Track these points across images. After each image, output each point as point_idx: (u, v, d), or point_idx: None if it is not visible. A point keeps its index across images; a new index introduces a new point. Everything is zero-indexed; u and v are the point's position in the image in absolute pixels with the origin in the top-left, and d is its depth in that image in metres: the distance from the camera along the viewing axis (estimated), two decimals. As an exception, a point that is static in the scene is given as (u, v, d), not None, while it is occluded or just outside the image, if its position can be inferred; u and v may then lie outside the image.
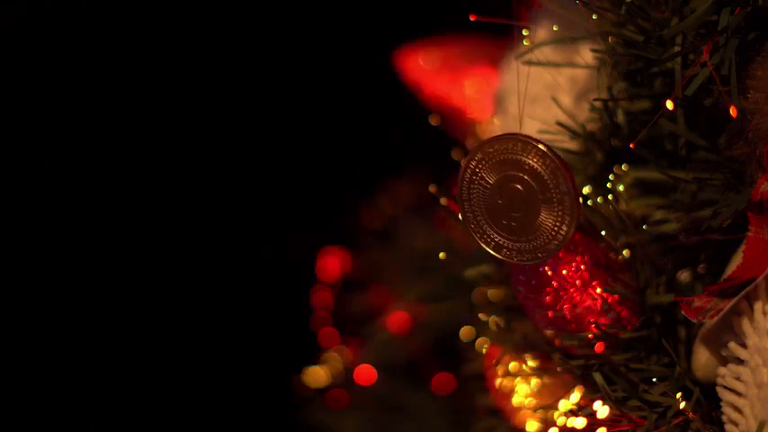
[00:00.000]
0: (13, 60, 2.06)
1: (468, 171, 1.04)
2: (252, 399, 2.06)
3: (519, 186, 1.03)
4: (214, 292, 2.08)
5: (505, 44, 1.38)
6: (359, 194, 1.76)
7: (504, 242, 1.05)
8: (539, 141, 1.01)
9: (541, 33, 1.21)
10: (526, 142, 1.01)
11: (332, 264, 1.76)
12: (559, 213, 1.02)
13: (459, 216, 1.06)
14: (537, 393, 1.19)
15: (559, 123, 1.15)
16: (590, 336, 1.10)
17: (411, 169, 1.67)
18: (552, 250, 1.03)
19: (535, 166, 1.02)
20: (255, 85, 2.10)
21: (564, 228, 1.02)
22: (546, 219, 1.02)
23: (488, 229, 1.05)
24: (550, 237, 1.03)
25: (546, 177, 1.01)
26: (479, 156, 1.03)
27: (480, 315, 1.23)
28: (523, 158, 1.02)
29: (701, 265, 1.12)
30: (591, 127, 1.15)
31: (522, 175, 1.02)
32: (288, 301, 1.85)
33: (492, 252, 1.05)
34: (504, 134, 1.03)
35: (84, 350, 2.07)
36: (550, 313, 1.11)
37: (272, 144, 2.09)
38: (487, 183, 1.04)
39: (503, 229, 1.04)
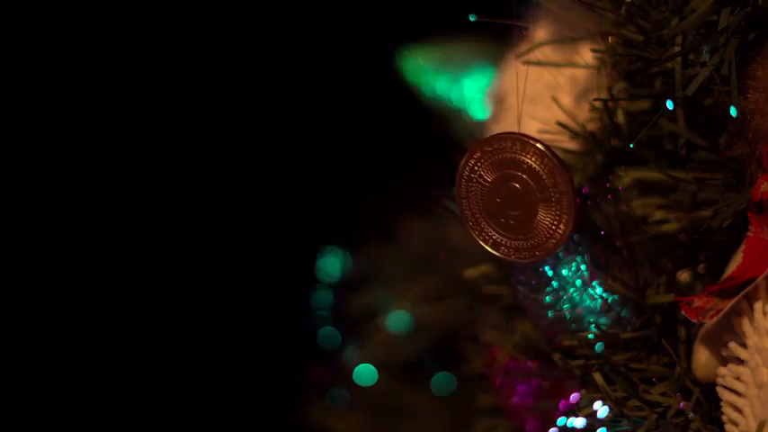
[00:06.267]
0: (14, 61, 2.06)
1: (467, 169, 1.05)
2: (252, 399, 2.06)
3: (517, 185, 1.03)
4: (214, 292, 2.08)
5: (505, 44, 1.38)
6: (359, 194, 1.76)
7: (502, 240, 1.05)
8: (537, 141, 1.02)
9: (541, 33, 1.21)
10: (524, 141, 1.02)
11: (332, 264, 1.76)
12: (557, 212, 1.02)
13: (458, 214, 1.07)
14: (537, 393, 1.20)
15: (559, 123, 1.16)
16: (590, 336, 1.10)
17: (411, 169, 1.67)
18: (550, 249, 1.03)
19: (533, 165, 1.02)
20: (255, 86, 2.10)
21: (561, 226, 1.02)
22: (544, 217, 1.03)
23: (486, 226, 1.05)
24: (548, 235, 1.03)
25: (544, 176, 1.02)
26: (478, 154, 1.04)
27: (480, 314, 1.23)
28: (522, 157, 1.02)
29: (701, 265, 1.12)
30: (591, 127, 1.15)
31: (520, 173, 1.03)
32: (288, 301, 1.85)
33: (490, 249, 1.06)
34: (503, 133, 1.03)
35: (84, 350, 2.07)
36: (550, 313, 1.11)
37: (272, 144, 2.09)
38: (486, 181, 1.04)
39: (501, 227, 1.05)
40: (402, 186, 1.71)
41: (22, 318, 2.07)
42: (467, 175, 1.05)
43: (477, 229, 1.06)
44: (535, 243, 1.04)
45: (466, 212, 1.06)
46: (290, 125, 2.10)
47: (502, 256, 1.05)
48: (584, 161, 1.16)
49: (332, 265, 1.76)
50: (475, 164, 1.04)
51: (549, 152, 1.01)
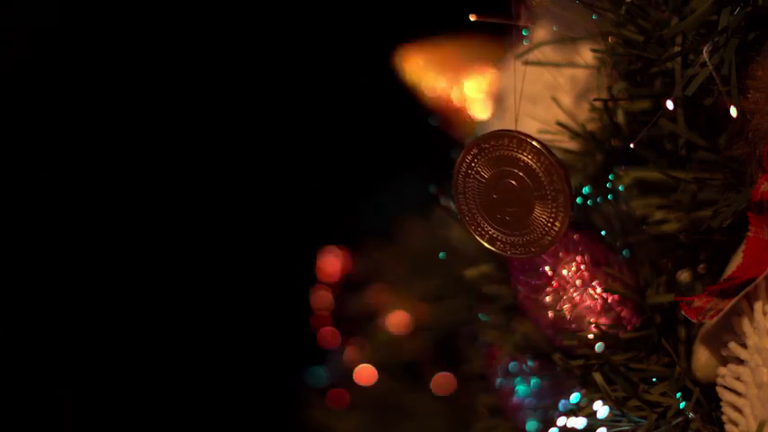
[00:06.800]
0: (14, 61, 2.06)
1: (464, 165, 1.05)
2: (252, 399, 2.06)
3: (514, 182, 1.04)
4: (214, 292, 2.08)
5: (505, 44, 1.38)
6: (359, 194, 1.76)
7: (498, 235, 1.05)
8: (533, 138, 1.02)
9: (541, 33, 1.21)
10: (521, 139, 1.02)
11: (332, 264, 1.76)
12: (553, 209, 1.03)
13: (455, 208, 1.07)
14: (537, 393, 1.19)
15: (559, 123, 1.16)
16: (590, 336, 1.10)
17: (411, 169, 1.68)
18: (545, 245, 1.04)
19: (530, 162, 1.02)
20: (256, 86, 2.10)
21: (557, 224, 1.03)
22: (540, 214, 1.03)
23: (483, 222, 1.06)
24: (544, 232, 1.03)
25: (540, 174, 1.02)
26: (475, 151, 1.04)
27: (480, 314, 1.23)
28: (518, 155, 1.03)
29: (701, 265, 1.12)
30: (591, 127, 1.15)
31: (516, 171, 1.03)
32: (288, 301, 1.85)
33: (486, 244, 1.06)
34: (500, 130, 1.04)
35: (85, 350, 2.07)
36: (550, 313, 1.11)
37: (272, 144, 2.09)
38: (483, 177, 1.05)
39: (497, 223, 1.05)
40: (402, 186, 1.71)
41: (22, 318, 2.07)
42: (464, 171, 1.05)
43: (473, 225, 1.06)
44: (531, 239, 1.04)
45: (462, 208, 1.06)
46: (290, 125, 2.10)
47: (498, 251, 1.06)
48: (584, 161, 1.16)
49: (332, 265, 1.76)
50: (472, 160, 1.05)
51: (546, 150, 1.02)
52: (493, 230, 1.05)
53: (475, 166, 1.05)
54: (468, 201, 1.06)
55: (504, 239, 1.05)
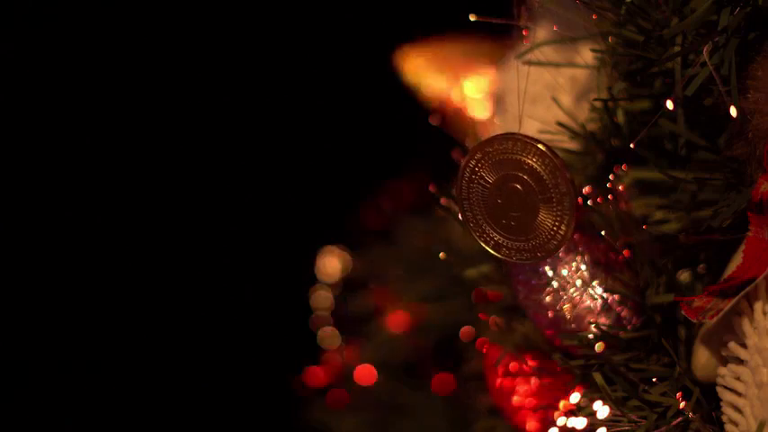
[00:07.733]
0: (13, 61, 2.06)
1: (468, 170, 1.05)
2: (252, 399, 2.06)
3: (518, 186, 1.03)
4: (214, 292, 2.08)
5: (505, 44, 1.38)
6: (359, 194, 1.76)
7: (503, 241, 1.05)
8: (538, 141, 1.02)
9: (541, 33, 1.21)
10: (526, 142, 1.02)
11: (332, 264, 1.76)
12: (558, 213, 1.02)
13: (459, 215, 1.07)
14: (537, 393, 1.19)
15: (559, 123, 1.16)
16: (590, 336, 1.10)
17: (411, 169, 1.68)
18: (551, 249, 1.04)
19: (534, 165, 1.02)
20: (256, 86, 2.10)
21: (563, 227, 1.02)
22: (545, 218, 1.03)
23: (488, 227, 1.05)
24: (549, 236, 1.03)
25: (545, 177, 1.02)
26: (479, 155, 1.04)
27: (480, 315, 1.23)
28: (523, 158, 1.02)
29: (701, 265, 1.12)
30: (591, 127, 1.15)
31: (521, 174, 1.03)
32: (288, 301, 1.85)
33: (491, 251, 1.06)
34: (504, 134, 1.03)
35: (85, 350, 2.07)
36: (550, 313, 1.11)
37: (272, 144, 2.09)
38: (487, 182, 1.04)
39: (502, 228, 1.05)
40: (402, 186, 1.71)
41: (22, 318, 2.07)
42: (468, 176, 1.05)
43: (478, 231, 1.06)
44: (537, 244, 1.04)
45: (467, 214, 1.06)
46: (289, 125, 2.10)
47: (503, 257, 1.06)
48: (584, 161, 1.16)
49: (332, 265, 1.76)
50: (476, 165, 1.04)
51: (551, 153, 1.01)
52: (498, 236, 1.05)
53: (479, 171, 1.04)
54: (473, 206, 1.05)
55: (509, 245, 1.05)
